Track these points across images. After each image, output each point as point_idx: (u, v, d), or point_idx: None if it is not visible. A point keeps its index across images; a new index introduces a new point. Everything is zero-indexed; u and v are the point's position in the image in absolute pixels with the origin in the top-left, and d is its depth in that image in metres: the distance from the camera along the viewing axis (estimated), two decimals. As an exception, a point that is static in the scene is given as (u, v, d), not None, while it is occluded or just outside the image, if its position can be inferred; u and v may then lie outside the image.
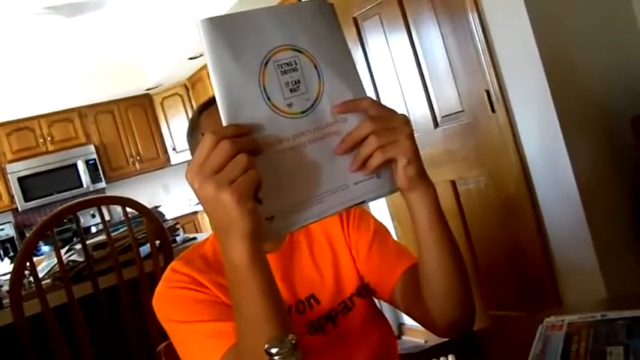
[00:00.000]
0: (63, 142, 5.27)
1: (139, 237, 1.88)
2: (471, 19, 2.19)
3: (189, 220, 5.36)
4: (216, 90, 0.67)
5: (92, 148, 5.36)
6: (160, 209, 4.52)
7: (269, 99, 0.69)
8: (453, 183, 2.54)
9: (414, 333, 3.01)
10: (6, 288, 1.73)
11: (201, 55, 4.65)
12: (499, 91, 2.19)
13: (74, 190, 5.16)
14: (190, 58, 4.72)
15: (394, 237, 1.12)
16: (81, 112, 5.38)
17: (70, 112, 5.32)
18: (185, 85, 5.57)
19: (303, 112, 0.71)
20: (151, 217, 1.81)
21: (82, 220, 4.55)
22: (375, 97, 2.54)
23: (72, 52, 4.88)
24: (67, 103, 5.25)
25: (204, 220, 5.37)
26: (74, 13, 3.95)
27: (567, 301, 2.22)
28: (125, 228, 1.86)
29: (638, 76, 2.25)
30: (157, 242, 1.88)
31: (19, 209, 5.02)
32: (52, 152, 5.20)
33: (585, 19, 2.20)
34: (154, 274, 1.78)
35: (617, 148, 2.19)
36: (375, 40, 2.73)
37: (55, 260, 1.77)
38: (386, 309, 1.12)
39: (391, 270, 1.02)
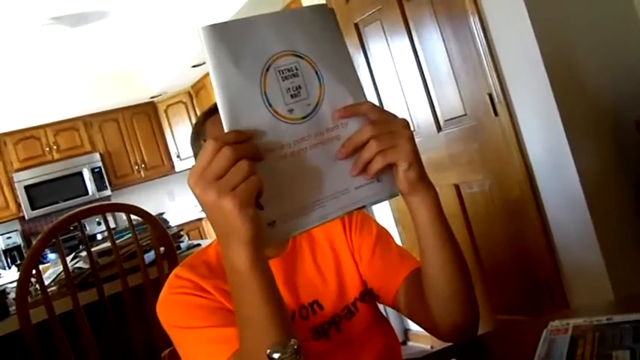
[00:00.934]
0: (69, 151, 5.31)
1: (144, 244, 1.88)
2: (472, 23, 2.19)
3: (194, 226, 5.37)
4: (217, 96, 0.67)
5: (97, 156, 5.39)
6: (164, 216, 4.53)
7: (270, 105, 0.69)
8: (457, 187, 2.53)
9: (420, 339, 3.00)
10: (13, 295, 1.74)
11: (204, 63, 4.64)
12: (502, 94, 2.19)
13: (80, 198, 5.19)
14: (193, 66, 4.74)
15: (398, 242, 1.12)
16: (86, 120, 5.42)
17: (75, 120, 5.36)
18: (189, 93, 5.60)
19: (304, 118, 0.72)
20: (155, 223, 1.82)
21: (87, 228, 4.59)
22: (377, 102, 2.55)
23: (77, 62, 4.92)
24: (73, 112, 5.28)
25: (209, 227, 5.37)
26: (78, 23, 3.98)
27: (574, 303, 2.20)
28: (130, 235, 1.87)
29: (641, 77, 2.24)
30: (162, 249, 1.89)
31: (26, 217, 5.05)
32: (58, 161, 5.24)
33: (588, 19, 2.20)
34: (158, 280, 1.79)
35: (622, 149, 2.18)
36: (376, 45, 2.74)
37: (61, 267, 1.77)
38: (391, 314, 1.12)
39: (394, 274, 1.02)
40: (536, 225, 2.23)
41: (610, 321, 0.80)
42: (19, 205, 5.04)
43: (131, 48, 4.97)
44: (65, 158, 5.26)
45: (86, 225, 4.38)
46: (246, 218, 0.65)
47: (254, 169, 0.65)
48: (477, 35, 2.19)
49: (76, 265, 1.94)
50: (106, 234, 1.94)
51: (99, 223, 5.05)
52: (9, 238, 5.09)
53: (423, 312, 0.92)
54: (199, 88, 5.37)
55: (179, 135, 5.69)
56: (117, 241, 1.84)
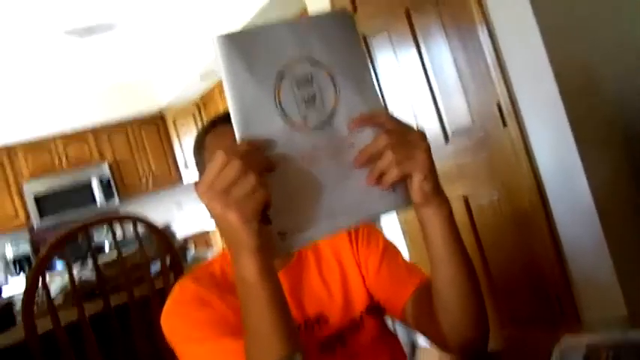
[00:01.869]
0: (78, 161, 5.34)
1: (150, 254, 1.88)
2: (480, 33, 2.18)
3: (202, 237, 5.37)
4: (230, 105, 0.67)
5: (106, 166, 5.41)
6: (172, 226, 4.54)
7: (284, 113, 0.69)
8: (466, 199, 2.51)
9: (429, 350, 2.96)
10: (20, 305, 1.73)
11: (212, 75, 4.70)
12: (510, 105, 2.17)
13: (88, 208, 5.21)
14: (202, 78, 4.76)
15: (405, 254, 1.11)
16: (95, 131, 5.45)
17: (84, 131, 5.40)
18: (197, 105, 5.62)
19: (318, 127, 0.71)
20: (161, 234, 1.81)
21: (95, 238, 4.59)
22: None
23: (86, 74, 4.96)
24: (82, 123, 5.32)
25: (217, 238, 5.37)
26: (87, 34, 4.02)
27: (586, 317, 2.17)
28: (136, 246, 1.86)
29: (653, 87, 2.22)
30: (168, 260, 1.88)
31: (35, 227, 5.07)
32: (67, 171, 5.26)
33: (598, 28, 2.18)
34: (164, 291, 1.78)
35: (635, 160, 2.15)
36: (383, 56, 2.73)
37: (75, 276, 1.77)
38: (399, 326, 1.10)
39: (402, 287, 1.00)
40: (545, 237, 2.21)
41: (626, 338, 0.77)
42: (28, 215, 5.07)
43: (139, 60, 5.01)
44: (74, 168, 5.29)
45: (94, 235, 4.40)
46: (250, 231, 0.65)
47: (262, 182, 0.64)
48: (485, 45, 2.18)
49: (83, 276, 1.94)
50: (112, 244, 1.94)
51: (107, 232, 5.06)
52: (18, 247, 5.11)
53: (432, 325, 0.90)
54: (207, 99, 5.39)
55: (187, 146, 5.71)
56: (123, 252, 1.83)
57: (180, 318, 0.94)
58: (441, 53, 2.40)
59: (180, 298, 0.96)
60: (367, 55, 2.81)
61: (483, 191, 2.43)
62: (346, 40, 0.75)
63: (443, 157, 2.51)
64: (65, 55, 4.35)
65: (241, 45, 0.67)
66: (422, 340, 2.63)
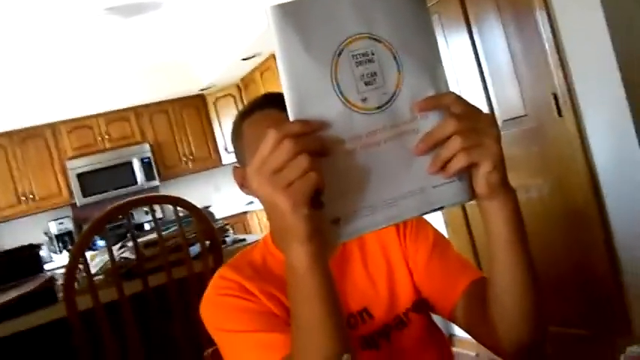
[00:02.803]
0: (120, 141, 5.41)
1: (189, 237, 1.86)
2: (539, 17, 2.09)
3: (239, 220, 5.39)
4: (283, 82, 0.62)
5: (147, 146, 5.47)
6: (210, 209, 4.57)
7: (341, 92, 0.63)
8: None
9: (465, 345, 2.89)
10: (61, 282, 1.75)
11: (254, 56, 4.67)
12: (567, 95, 2.08)
13: (129, 188, 5.28)
14: (244, 59, 4.74)
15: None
16: (137, 111, 5.51)
17: (126, 111, 5.46)
18: (238, 86, 5.61)
19: (378, 108, 0.65)
20: (201, 217, 1.79)
21: (135, 217, 4.66)
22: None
23: (129, 53, 5.00)
24: (124, 103, 5.39)
25: (254, 221, 5.39)
26: (132, 13, 4.03)
27: (636, 322, 2.06)
28: (176, 227, 1.85)
29: None
30: (207, 242, 1.86)
31: (78, 204, 5.18)
32: (109, 150, 5.35)
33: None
34: (202, 274, 1.76)
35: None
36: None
37: (114, 255, 1.78)
38: (437, 318, 1.05)
39: (453, 285, 0.94)
40: (598, 236, 2.11)
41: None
42: (71, 192, 5.17)
43: (182, 40, 5.02)
44: (116, 148, 5.36)
45: (134, 214, 4.46)
46: (299, 217, 0.60)
47: (315, 165, 0.60)
48: (543, 31, 2.09)
49: (123, 255, 1.94)
50: (153, 224, 1.94)
51: (147, 213, 5.13)
52: (61, 224, 5.24)
53: (485, 328, 0.84)
54: (249, 81, 5.37)
55: (227, 128, 5.71)
56: (163, 233, 1.83)
57: (219, 308, 0.91)
58: (495, 38, 2.31)
59: (220, 287, 0.93)
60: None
61: (533, 184, 2.34)
62: (414, 16, 0.68)
63: (492, 147, 2.42)
64: (109, 34, 4.39)
65: (297, 17, 0.62)
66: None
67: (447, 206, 0.69)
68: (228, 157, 5.77)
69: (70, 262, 1.55)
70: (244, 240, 2.32)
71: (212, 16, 4.52)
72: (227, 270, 0.95)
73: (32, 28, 3.89)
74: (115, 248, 1.98)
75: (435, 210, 0.68)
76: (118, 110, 5.40)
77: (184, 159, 5.70)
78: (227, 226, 2.26)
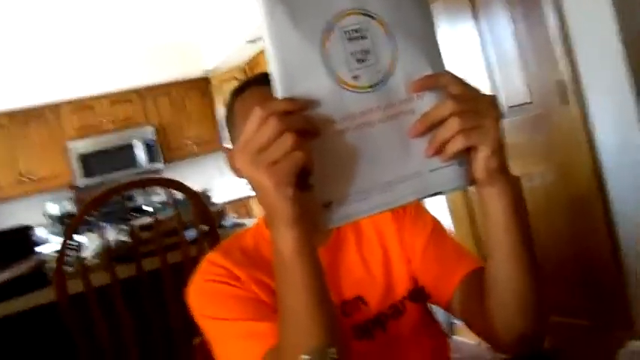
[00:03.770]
0: (122, 122, 5.38)
1: (185, 220, 1.84)
2: (545, 3, 2.05)
3: (242, 204, 5.37)
4: (270, 59, 0.60)
5: (150, 129, 5.45)
6: (212, 192, 4.54)
7: (332, 70, 0.61)
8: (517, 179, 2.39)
9: (467, 333, 2.87)
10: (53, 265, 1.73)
11: (260, 39, 4.62)
12: (573, 82, 2.05)
13: (132, 170, 5.27)
14: (249, 42, 4.69)
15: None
16: (140, 93, 5.48)
17: (130, 92, 5.42)
18: (243, 70, 5.57)
19: (371, 87, 0.62)
20: (197, 200, 1.77)
21: (139, 201, 4.64)
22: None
23: (133, 34, 4.97)
24: (127, 84, 5.35)
25: (256, 206, 5.37)
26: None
27: (636, 313, 2.04)
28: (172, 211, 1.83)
29: None
30: (204, 227, 1.84)
31: (79, 186, 5.17)
32: (112, 131, 5.32)
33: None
34: (197, 259, 1.74)
35: None
36: (437, 25, 2.60)
37: (106, 238, 1.76)
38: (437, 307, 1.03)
39: (450, 274, 0.92)
40: (601, 227, 2.09)
41: None
42: (72, 173, 5.16)
43: (188, 21, 4.98)
44: (119, 129, 5.34)
45: (135, 197, 4.44)
46: (283, 198, 0.58)
47: (301, 144, 0.57)
48: (549, 16, 2.05)
49: (120, 238, 1.92)
50: (155, 206, 1.92)
51: (149, 195, 5.12)
52: (62, 205, 5.23)
53: (482, 319, 0.82)
54: (254, 65, 5.33)
55: (231, 112, 5.68)
56: (159, 217, 1.80)
57: (207, 295, 0.89)
58: (500, 23, 2.28)
59: (207, 273, 0.91)
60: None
61: (537, 172, 2.32)
62: None
63: (496, 134, 2.39)
64: (113, 14, 4.35)
65: None
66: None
67: (445, 192, 0.67)
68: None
69: (62, 246, 1.52)
70: (244, 224, 2.31)
71: (216, -3, 4.46)
72: (216, 255, 0.93)
73: (35, 7, 3.86)
74: (114, 231, 1.97)
75: (432, 195, 0.66)
76: (121, 91, 5.36)
77: (188, 142, 5.68)
78: (225, 210, 2.24)
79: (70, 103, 5.17)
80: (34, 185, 5.03)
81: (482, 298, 0.80)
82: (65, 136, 5.15)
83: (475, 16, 2.39)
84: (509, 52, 2.28)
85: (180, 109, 5.66)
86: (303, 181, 0.59)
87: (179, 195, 1.81)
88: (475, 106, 0.64)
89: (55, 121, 5.12)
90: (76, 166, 5.11)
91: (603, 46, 1.92)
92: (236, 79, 5.65)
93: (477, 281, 0.83)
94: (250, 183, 0.61)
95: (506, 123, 2.35)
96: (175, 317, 1.70)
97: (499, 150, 0.65)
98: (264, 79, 0.92)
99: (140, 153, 5.34)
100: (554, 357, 0.86)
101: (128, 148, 5.31)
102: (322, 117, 0.60)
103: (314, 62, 0.60)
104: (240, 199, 5.38)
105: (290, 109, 0.59)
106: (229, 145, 0.97)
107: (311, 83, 0.60)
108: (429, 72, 0.64)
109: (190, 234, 1.86)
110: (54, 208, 5.15)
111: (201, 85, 5.75)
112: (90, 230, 2.16)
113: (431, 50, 0.66)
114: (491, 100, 0.66)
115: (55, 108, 5.12)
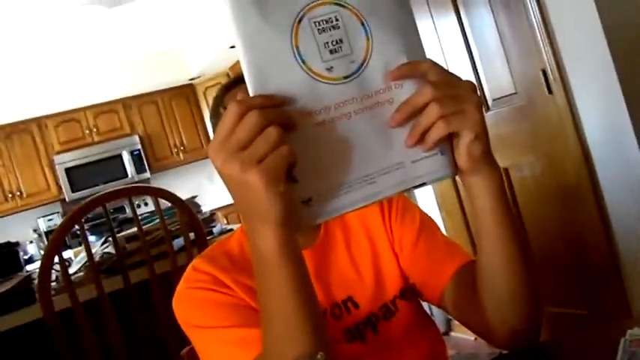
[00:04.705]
0: (108, 133, 5.35)
1: (173, 229, 1.81)
2: (525, -8, 2.02)
3: (233, 210, 5.34)
4: (241, 56, 0.58)
5: (137, 138, 5.41)
6: (201, 199, 4.50)
7: (304, 62, 0.59)
8: (506, 170, 2.37)
9: (464, 329, 2.86)
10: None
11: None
12: (557, 71, 2.03)
13: (119, 181, 5.23)
14: (232, 47, 4.67)
15: (442, 230, 1.00)
16: (125, 103, 5.44)
17: (114, 103, 5.39)
18: (228, 75, 5.54)
19: (346, 77, 0.60)
20: (184, 208, 1.74)
21: (127, 211, 4.59)
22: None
23: (115, 44, 4.93)
24: (112, 95, 5.31)
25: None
26: (115, 3, 3.95)
27: (634, 297, 2.03)
28: (158, 220, 1.80)
29: None
30: (192, 235, 1.81)
31: (67, 200, 5.12)
32: (97, 143, 5.28)
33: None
34: (186, 268, 1.72)
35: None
36: (419, 19, 2.58)
37: (93, 251, 1.73)
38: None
39: (441, 269, 0.90)
40: (592, 214, 2.08)
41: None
42: (59, 188, 5.11)
43: (169, 29, 4.95)
44: (105, 141, 5.30)
45: (125, 207, 4.39)
46: (274, 196, 0.56)
47: (285, 138, 0.55)
48: (530, 6, 2.03)
49: (105, 250, 1.89)
50: (142, 217, 1.89)
51: (138, 206, 5.08)
52: (50, 220, 5.17)
53: (475, 314, 0.80)
54: (238, 69, 5.28)
55: (217, 117, 5.66)
56: (146, 226, 1.77)
57: (193, 302, 0.86)
58: (482, 15, 2.26)
59: (191, 280, 0.88)
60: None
61: (525, 162, 2.30)
62: None
63: (482, 126, 2.38)
64: (94, 25, 4.31)
65: None
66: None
67: (429, 182, 0.64)
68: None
69: (44, 259, 1.48)
70: (232, 230, 2.27)
71: (198, 4, 4.44)
72: (200, 261, 0.90)
73: (15, 22, 3.81)
74: (98, 243, 1.94)
75: (416, 187, 0.64)
76: (105, 102, 5.33)
77: (175, 150, 5.64)
78: (214, 216, 2.22)
79: (54, 116, 5.13)
80: (21, 202, 4.98)
81: (475, 292, 0.78)
82: (51, 151, 5.10)
83: (457, 11, 2.37)
84: (491, 44, 2.26)
85: (166, 118, 5.63)
86: (289, 176, 0.57)
87: (167, 203, 1.78)
88: (455, 92, 0.62)
89: (39, 135, 5.08)
90: (64, 180, 5.06)
91: (585, 33, 1.91)
92: (221, 84, 5.62)
93: (468, 275, 0.81)
94: (229, 182, 0.58)
95: (492, 114, 2.35)
96: (165, 327, 1.67)
97: (482, 135, 0.63)
98: None
99: (127, 164, 5.30)
100: (552, 350, 0.84)
101: (115, 160, 5.27)
102: (298, 111, 0.58)
103: (286, 56, 0.58)
104: (230, 205, 5.34)
105: (267, 105, 0.56)
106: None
107: (284, 78, 0.58)
108: (405, 60, 0.62)
109: (179, 242, 1.83)
110: (42, 224, 5.10)
111: (186, 92, 5.73)
112: (79, 244, 2.13)
113: (409, 39, 0.64)
114: (471, 86, 0.64)
115: (39, 122, 5.08)
